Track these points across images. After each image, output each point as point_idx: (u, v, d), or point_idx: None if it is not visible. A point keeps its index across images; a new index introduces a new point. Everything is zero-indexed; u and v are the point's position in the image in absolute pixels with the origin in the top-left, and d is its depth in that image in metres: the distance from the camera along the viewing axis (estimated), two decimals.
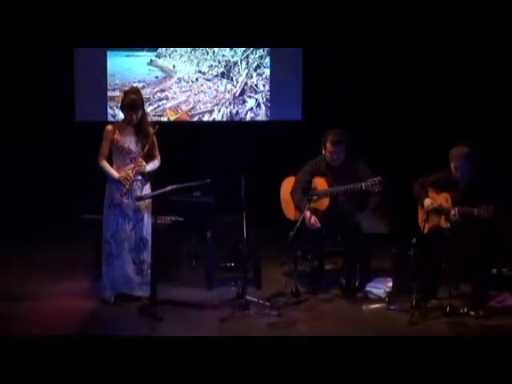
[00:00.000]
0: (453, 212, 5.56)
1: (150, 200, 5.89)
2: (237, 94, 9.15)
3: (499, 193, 5.66)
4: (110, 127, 5.85)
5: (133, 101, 5.75)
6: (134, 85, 8.12)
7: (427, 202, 5.78)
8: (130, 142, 5.82)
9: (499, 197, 5.56)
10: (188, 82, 9.11)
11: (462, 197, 5.67)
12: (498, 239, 5.96)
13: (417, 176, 5.99)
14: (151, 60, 9.05)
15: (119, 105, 6.01)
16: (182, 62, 9.09)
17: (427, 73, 8.67)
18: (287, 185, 6.50)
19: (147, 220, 5.90)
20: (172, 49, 9.02)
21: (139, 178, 5.86)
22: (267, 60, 9.13)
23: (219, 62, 9.12)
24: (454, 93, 8.48)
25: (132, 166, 5.80)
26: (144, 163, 5.81)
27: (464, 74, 8.30)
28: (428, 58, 8.53)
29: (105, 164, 5.81)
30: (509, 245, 6.36)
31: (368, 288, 6.16)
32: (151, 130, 5.88)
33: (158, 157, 5.97)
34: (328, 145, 6.19)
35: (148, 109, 8.51)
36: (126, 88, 6.49)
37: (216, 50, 9.06)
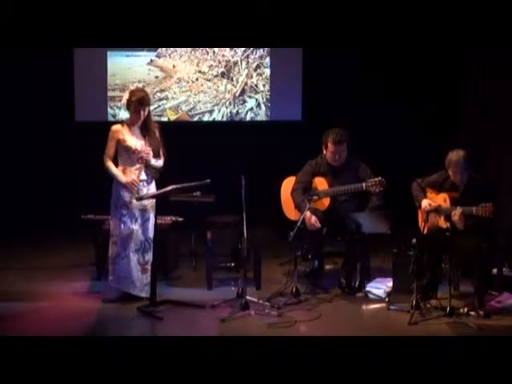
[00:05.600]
0: (455, 212, 5.55)
1: (154, 200, 5.87)
2: (237, 94, 9.15)
3: (497, 191, 5.66)
4: (116, 127, 5.81)
5: (142, 97, 5.76)
6: (134, 85, 8.12)
7: (424, 202, 5.77)
8: (136, 142, 5.81)
9: (497, 195, 5.56)
10: (188, 82, 9.11)
11: (461, 197, 5.67)
12: (496, 238, 5.95)
13: (416, 176, 5.99)
14: (151, 60, 9.04)
15: (126, 104, 5.95)
16: (182, 61, 9.09)
17: (427, 73, 8.68)
18: (287, 185, 6.50)
19: (152, 220, 5.88)
20: (172, 49, 9.02)
21: (144, 178, 5.84)
22: (267, 60, 9.13)
23: (219, 62, 9.12)
24: (453, 93, 8.48)
25: (138, 166, 5.79)
26: (151, 152, 5.80)
27: (463, 74, 8.30)
28: (428, 58, 8.53)
29: (111, 166, 5.77)
30: (509, 245, 6.36)
31: (368, 288, 6.16)
32: (156, 128, 5.89)
33: (163, 157, 5.95)
34: (330, 144, 6.19)
35: None
36: (132, 88, 6.48)
37: (216, 49, 9.06)
